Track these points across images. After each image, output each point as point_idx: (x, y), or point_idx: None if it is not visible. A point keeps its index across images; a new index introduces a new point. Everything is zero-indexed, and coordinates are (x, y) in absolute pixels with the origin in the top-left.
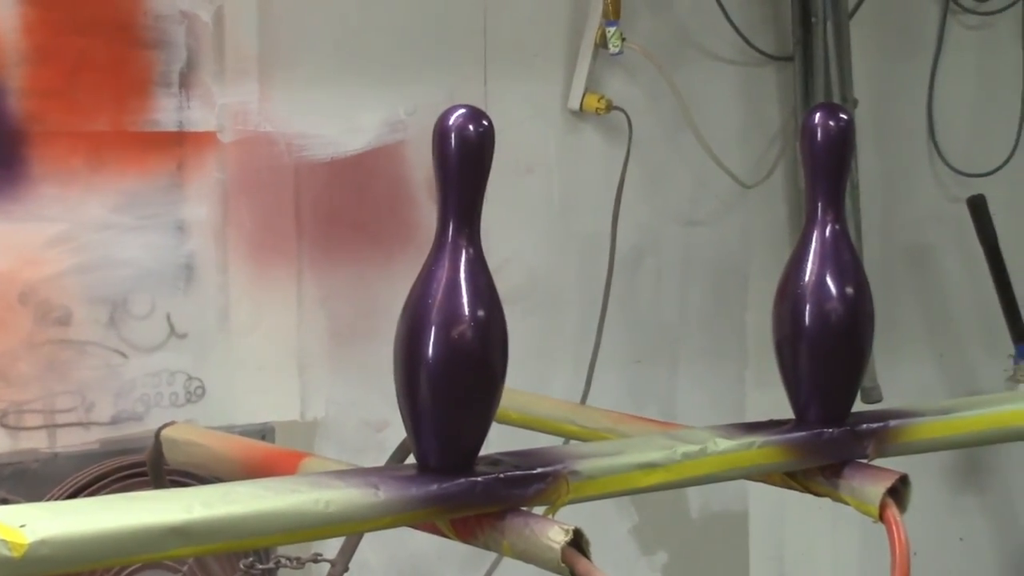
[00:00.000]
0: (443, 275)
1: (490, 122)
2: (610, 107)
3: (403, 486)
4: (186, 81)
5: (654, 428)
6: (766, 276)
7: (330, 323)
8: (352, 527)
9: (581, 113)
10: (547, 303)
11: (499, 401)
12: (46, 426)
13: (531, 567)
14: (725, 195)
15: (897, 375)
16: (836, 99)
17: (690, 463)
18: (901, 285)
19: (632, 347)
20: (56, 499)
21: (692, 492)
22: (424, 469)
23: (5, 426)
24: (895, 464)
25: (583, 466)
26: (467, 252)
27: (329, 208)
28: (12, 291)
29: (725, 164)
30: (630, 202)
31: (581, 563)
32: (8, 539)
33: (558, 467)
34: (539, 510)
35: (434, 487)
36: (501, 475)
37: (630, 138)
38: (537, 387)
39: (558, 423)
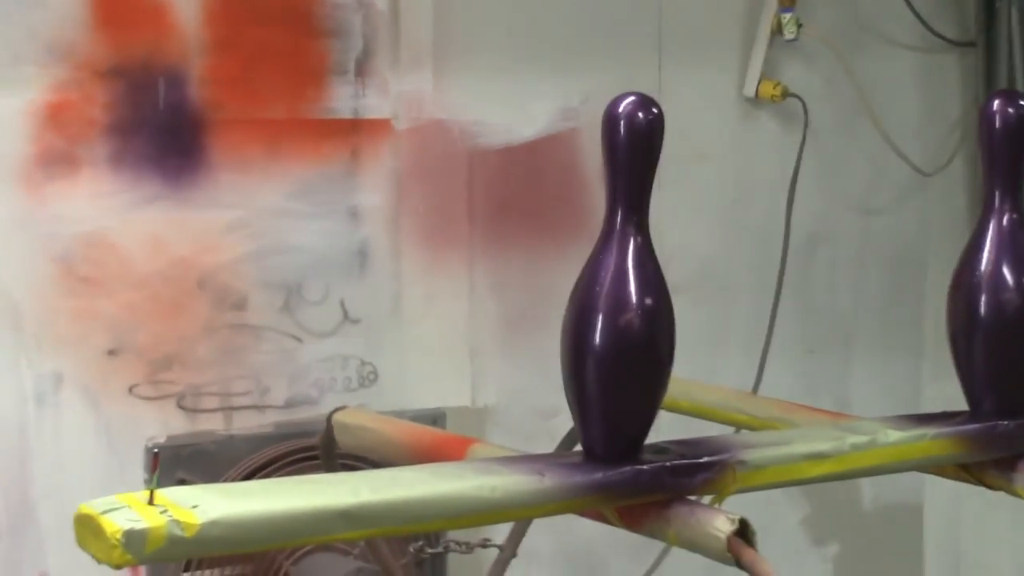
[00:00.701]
0: (611, 263)
1: (660, 109)
2: (786, 94)
3: (568, 473)
4: (362, 69)
5: (824, 418)
6: (944, 266)
7: (501, 310)
8: (517, 513)
9: (756, 100)
10: (719, 292)
11: (666, 389)
12: (222, 409)
13: (700, 557)
14: (903, 184)
15: None
16: (1020, 86)
17: (859, 454)
18: None
19: (805, 337)
20: (231, 480)
21: (865, 483)
22: (590, 456)
23: (183, 408)
24: None
25: (750, 455)
26: (635, 240)
27: (501, 195)
28: (191, 276)
29: (903, 152)
30: (805, 190)
31: (747, 553)
32: (181, 519)
33: (725, 456)
34: (707, 500)
35: (599, 475)
36: (667, 464)
37: (806, 125)
38: (707, 377)
39: (727, 412)
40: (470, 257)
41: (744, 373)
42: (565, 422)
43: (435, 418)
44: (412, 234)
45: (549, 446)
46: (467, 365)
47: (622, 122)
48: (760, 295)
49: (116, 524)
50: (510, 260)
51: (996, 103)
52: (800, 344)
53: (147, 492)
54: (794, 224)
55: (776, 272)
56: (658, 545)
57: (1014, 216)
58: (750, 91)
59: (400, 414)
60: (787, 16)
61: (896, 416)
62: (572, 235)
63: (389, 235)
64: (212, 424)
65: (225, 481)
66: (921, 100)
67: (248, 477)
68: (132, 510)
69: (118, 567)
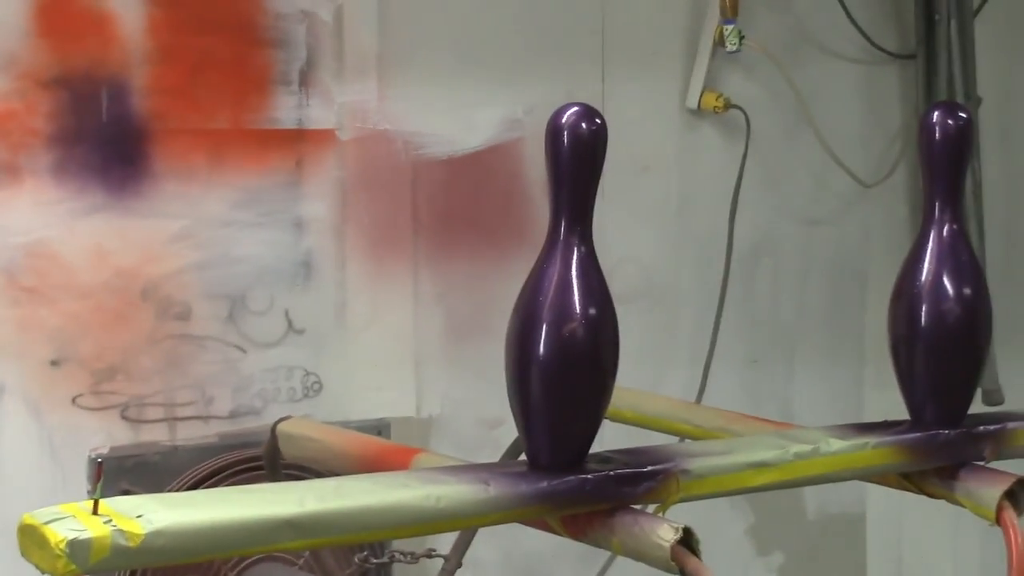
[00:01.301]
0: (554, 273)
1: (603, 120)
2: (728, 105)
3: (513, 483)
4: (306, 79)
5: (767, 428)
6: (886, 277)
7: (446, 320)
8: (462, 523)
9: (699, 111)
10: (662, 302)
11: (610, 399)
12: (166, 419)
13: (645, 566)
14: (845, 194)
15: (1022, 378)
16: (959, 98)
17: (802, 463)
18: None
19: (749, 347)
20: (175, 491)
21: (808, 493)
22: (535, 466)
23: (127, 419)
24: (1013, 467)
25: (694, 464)
26: (579, 250)
27: (445, 206)
28: (135, 287)
29: (845, 163)
30: (748, 201)
31: (691, 562)
32: (125, 529)
33: (668, 465)
34: (651, 509)
35: (544, 484)
36: (611, 473)
37: (748, 136)
38: (651, 387)
39: (671, 422)
40: (414, 267)
41: (688, 383)
42: (510, 432)
43: (380, 428)
44: (357, 244)
45: (494, 456)
46: (412, 375)
47: (565, 132)
48: (704, 305)
49: (60, 534)
50: (454, 270)
51: (936, 114)
52: (744, 354)
53: (91, 502)
54: (737, 234)
55: (720, 282)
56: (603, 554)
57: (954, 227)
58: (693, 102)
59: (345, 424)
60: (729, 28)
61: (839, 425)
62: (516, 245)
63: (334, 245)
64: (156, 435)
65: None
66: (862, 111)
67: (193, 488)
68: (76, 520)
69: None
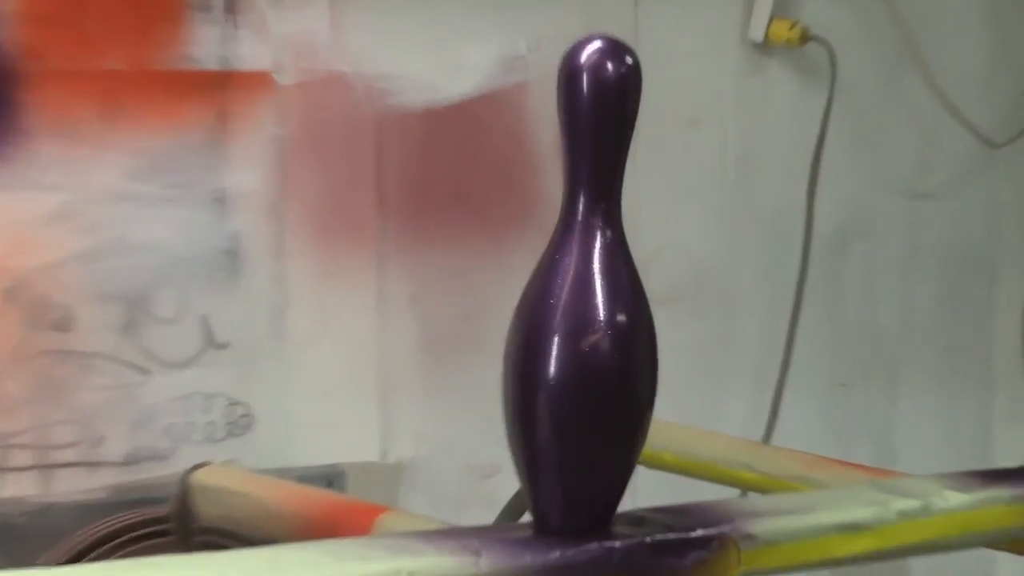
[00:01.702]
0: (570, 266)
1: (636, 59)
2: (806, 38)
3: (514, 553)
4: (232, 4)
5: (861, 476)
6: (1021, 267)
7: (422, 330)
8: None
9: (766, 46)
10: (716, 306)
11: (645, 438)
12: (38, 466)
13: None
14: (965, 158)
15: None
16: None
17: (909, 524)
18: None
19: (835, 365)
20: (50, 565)
21: (916, 565)
22: (543, 530)
23: None
24: None
25: (761, 527)
26: (604, 236)
27: (422, 174)
28: None
29: (965, 116)
30: (833, 167)
31: None
32: None
33: (725, 528)
34: None
35: (556, 554)
36: (647, 539)
37: (833, 80)
38: (702, 420)
39: (728, 468)
40: (379, 258)
41: (752, 415)
42: (509, 483)
43: (331, 478)
44: (301, 227)
45: (487, 515)
46: (375, 405)
47: (585, 75)
48: (773, 309)
49: None
50: (433, 263)
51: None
52: (828, 375)
53: None
54: (818, 213)
55: (795, 278)
56: None
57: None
58: (757, 34)
59: (283, 473)
60: None
61: (959, 473)
62: (518, 229)
63: (269, 228)
64: (24, 488)
65: (42, 565)
66: (989, 47)
67: (74, 561)
68: None
69: None
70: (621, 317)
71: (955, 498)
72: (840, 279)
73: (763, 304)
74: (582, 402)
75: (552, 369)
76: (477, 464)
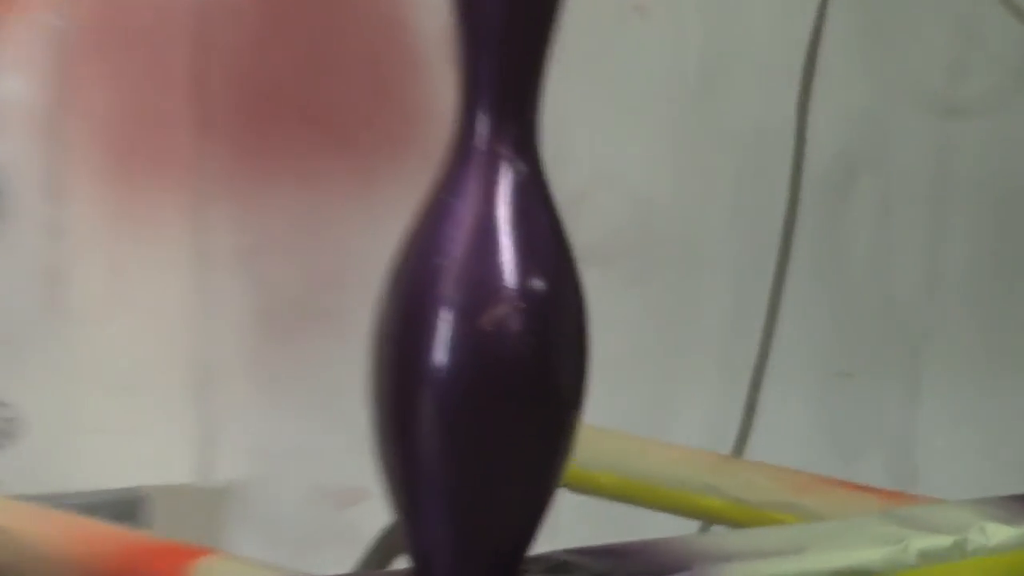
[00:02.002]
0: (466, 212)
1: None
2: None
3: None
4: None
5: (869, 501)
6: None
7: (257, 301)
8: None
9: None
10: (672, 265)
11: (571, 451)
12: None
13: None
14: (1015, 60)
15: None
16: None
17: (936, 571)
18: None
19: (833, 347)
20: None
21: None
22: None
23: None
24: None
25: (732, 574)
26: (514, 169)
27: (258, 82)
28: None
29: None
30: (833, 72)
31: None
32: None
33: None
34: None
35: None
36: None
37: None
38: (650, 425)
39: (686, 492)
40: (198, 198)
41: (720, 418)
42: (377, 513)
43: (131, 506)
44: (88, 155)
45: (347, 558)
46: (190, 406)
47: None
48: (750, 269)
49: None
50: (275, 204)
51: None
52: (823, 361)
53: None
54: (812, 136)
55: (779, 227)
56: None
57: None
58: None
59: (60, 500)
60: None
61: (1002, 497)
62: (391, 158)
63: (43, 157)
64: None
65: None
66: None
67: None
68: None
69: None
70: (537, 283)
71: (998, 533)
72: (841, 227)
73: (736, 262)
74: (482, 402)
75: (440, 356)
76: (333, 487)
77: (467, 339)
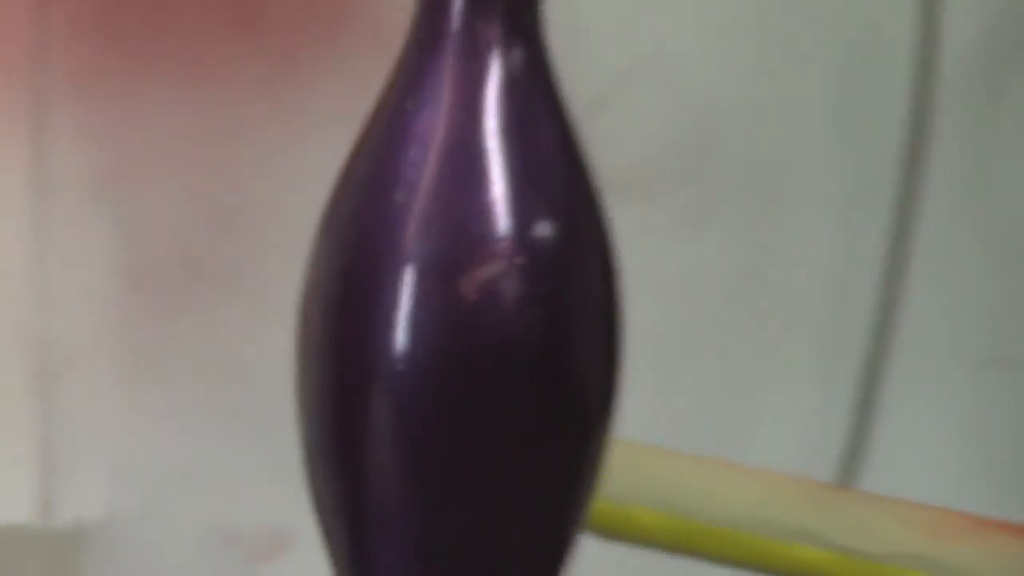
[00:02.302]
0: (436, 124)
1: None
2: None
3: None
4: None
5: None
6: None
7: (124, 250)
8: None
9: None
10: (742, 200)
11: (597, 477)
12: None
13: None
14: None
15: None
16: None
17: None
18: None
19: (981, 325)
20: None
21: None
22: None
23: None
24: None
25: None
26: (506, 58)
27: None
28: None
29: None
30: None
31: None
32: None
33: None
34: None
35: None
36: None
37: None
38: (716, 438)
39: (770, 539)
40: (37, 98)
41: (820, 425)
42: (307, 569)
43: None
44: None
45: None
46: (27, 408)
47: None
48: (858, 211)
49: None
50: (148, 107)
51: None
52: (966, 345)
53: None
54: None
55: (899, 146)
56: None
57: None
58: None
59: None
60: None
61: None
62: (322, 38)
63: None
64: None
65: None
66: None
67: None
68: None
69: None
70: (543, 227)
71: None
72: (990, 147)
73: (838, 197)
74: (463, 406)
75: (400, 339)
76: (240, 531)
77: (441, 313)
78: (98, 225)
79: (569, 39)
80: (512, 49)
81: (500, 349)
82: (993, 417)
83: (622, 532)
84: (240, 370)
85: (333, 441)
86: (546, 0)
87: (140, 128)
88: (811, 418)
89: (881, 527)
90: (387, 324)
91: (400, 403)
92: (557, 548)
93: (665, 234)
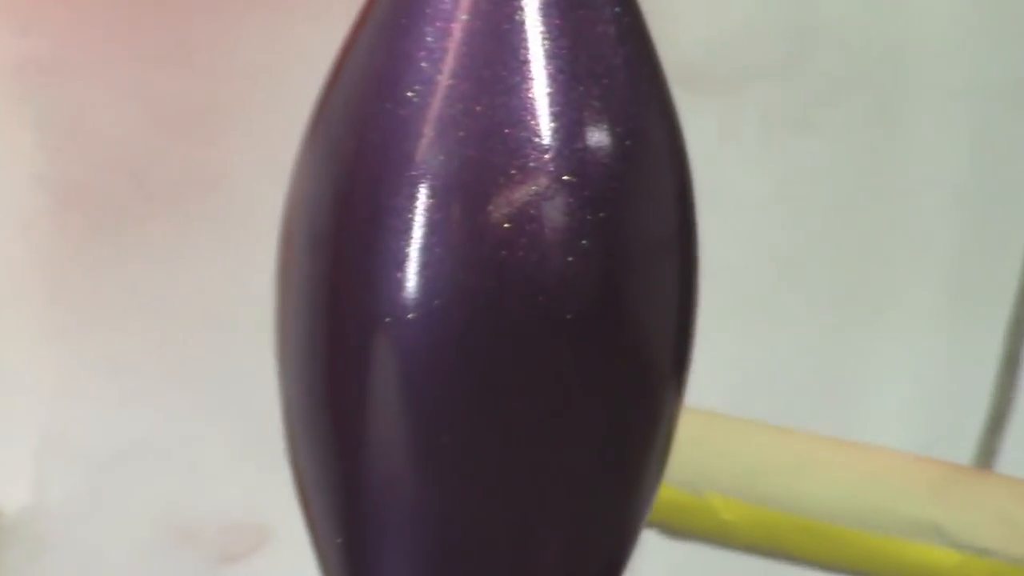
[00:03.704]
0: (456, 7)
1: None
2: None
3: None
4: None
5: None
6: None
7: (54, 163)
8: None
9: None
10: (859, 100)
11: (665, 457)
12: None
13: None
14: None
15: None
16: None
17: None
18: None
19: None
20: None
21: None
22: None
23: None
24: None
25: None
26: None
27: None
28: None
29: None
30: None
31: None
32: None
33: None
34: None
35: None
36: None
37: None
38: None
39: (889, 535)
40: None
41: (953, 388)
42: (286, 569)
43: None
44: None
45: None
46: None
47: None
48: (1002, 108)
49: None
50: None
51: None
52: None
53: None
54: None
55: None
56: None
57: None
58: None
59: None
60: None
61: None
62: None
63: None
64: None
65: None
66: None
67: None
68: None
69: None
70: (597, 136)
71: None
72: None
73: (979, 89)
74: (492, 369)
75: (411, 283)
76: (204, 524)
77: (464, 246)
78: (20, 128)
79: None
80: None
81: (540, 293)
82: None
83: (693, 526)
84: (204, 317)
85: (324, 410)
86: None
87: (74, 5)
88: (941, 380)
89: None
90: (394, 261)
91: (410, 362)
92: (613, 548)
93: (752, 143)
